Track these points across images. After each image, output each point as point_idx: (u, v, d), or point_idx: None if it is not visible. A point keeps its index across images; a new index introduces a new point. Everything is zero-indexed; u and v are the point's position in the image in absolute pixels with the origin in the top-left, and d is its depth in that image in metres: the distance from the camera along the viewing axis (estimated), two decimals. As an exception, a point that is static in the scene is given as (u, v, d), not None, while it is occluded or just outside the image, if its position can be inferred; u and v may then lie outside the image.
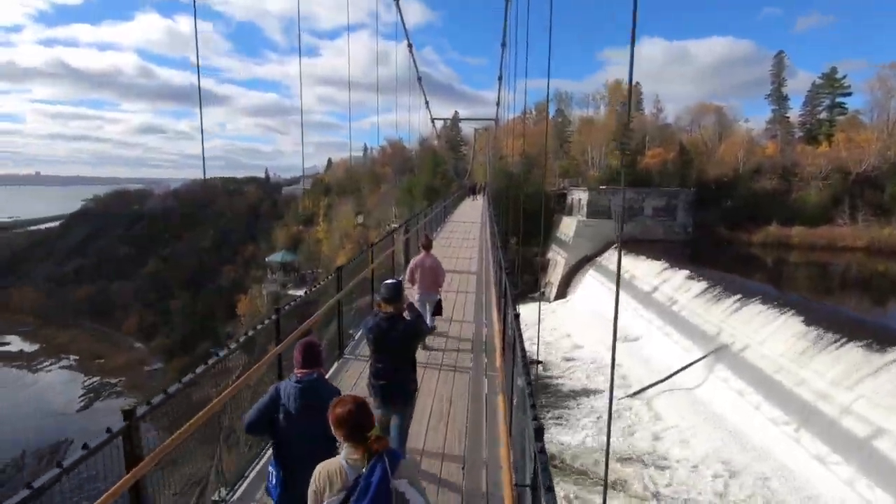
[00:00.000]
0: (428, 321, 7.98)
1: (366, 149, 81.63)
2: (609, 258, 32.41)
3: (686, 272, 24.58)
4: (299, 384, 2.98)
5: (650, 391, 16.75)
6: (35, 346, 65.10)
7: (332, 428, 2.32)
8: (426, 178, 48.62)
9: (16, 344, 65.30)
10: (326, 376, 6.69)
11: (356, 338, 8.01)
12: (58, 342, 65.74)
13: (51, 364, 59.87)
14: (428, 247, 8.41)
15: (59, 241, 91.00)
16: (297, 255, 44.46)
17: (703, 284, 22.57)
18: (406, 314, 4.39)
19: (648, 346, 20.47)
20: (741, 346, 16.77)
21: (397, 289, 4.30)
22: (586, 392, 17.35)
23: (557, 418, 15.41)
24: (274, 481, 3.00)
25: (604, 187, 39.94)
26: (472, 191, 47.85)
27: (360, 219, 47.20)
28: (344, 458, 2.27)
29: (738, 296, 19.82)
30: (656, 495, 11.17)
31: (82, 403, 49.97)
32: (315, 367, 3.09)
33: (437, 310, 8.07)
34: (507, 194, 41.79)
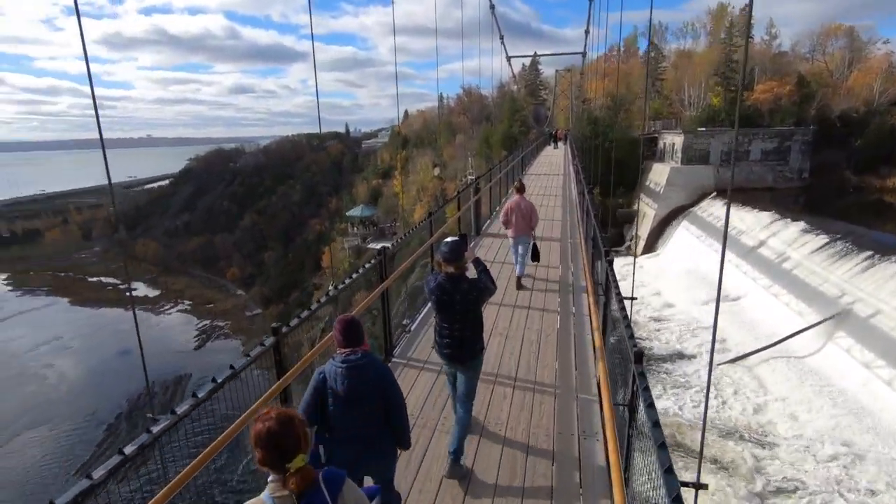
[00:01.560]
0: (525, 264, 8.46)
1: (441, 98, 80.00)
2: (706, 209, 29.42)
3: (802, 224, 21.57)
4: (344, 364, 2.82)
5: (752, 358, 15.10)
6: (157, 292, 73.87)
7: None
8: (503, 126, 46.51)
9: (142, 289, 74.47)
10: (412, 328, 7.05)
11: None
12: (175, 288, 74.04)
13: (170, 307, 67.76)
14: (521, 189, 8.56)
15: (170, 198, 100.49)
16: (376, 209, 45.23)
17: (822, 239, 19.70)
18: (469, 272, 4.19)
19: (752, 307, 18.41)
20: (871, 312, 14.47)
21: (458, 248, 4.01)
22: (677, 356, 16.02)
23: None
24: (312, 460, 2.82)
25: (702, 129, 35.87)
26: (554, 138, 44.89)
27: (437, 171, 46.68)
28: (268, 496, 1.73)
29: (869, 252, 17.03)
30: (759, 475, 10.03)
31: (197, 343, 56.32)
32: (358, 345, 2.88)
33: (535, 255, 8.29)
34: (591, 141, 39.04)
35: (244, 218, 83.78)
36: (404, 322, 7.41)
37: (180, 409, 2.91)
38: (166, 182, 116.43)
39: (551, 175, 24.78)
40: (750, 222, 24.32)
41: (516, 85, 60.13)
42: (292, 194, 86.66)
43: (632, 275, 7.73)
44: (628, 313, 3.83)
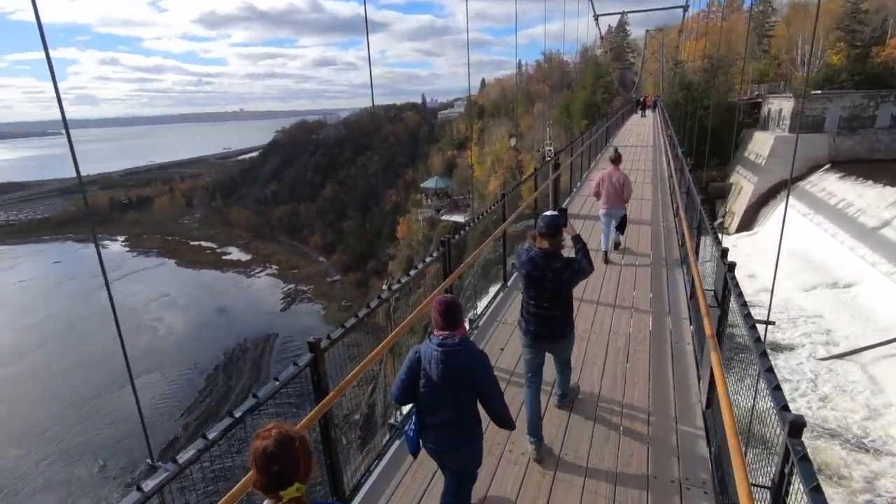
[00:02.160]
0: (612, 238, 8.33)
1: (519, 65, 77.20)
2: (817, 183, 26.19)
3: (939, 203, 18.54)
4: (441, 348, 2.72)
5: (867, 354, 13.37)
6: (248, 256, 79.88)
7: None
8: (585, 93, 43.99)
9: (235, 254, 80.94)
10: (493, 305, 6.99)
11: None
12: (264, 253, 79.62)
13: (260, 271, 73.10)
14: (617, 160, 8.21)
15: (260, 169, 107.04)
16: (450, 181, 45.10)
17: (965, 220, 16.81)
18: (565, 249, 3.90)
19: (869, 296, 16.23)
20: None
21: (556, 222, 3.79)
22: (776, 347, 14.57)
23: (740, 376, 13.29)
24: (412, 433, 2.93)
25: (817, 92, 31.66)
26: (641, 106, 41.54)
27: (513, 142, 45.38)
28: None
29: None
30: (872, 488, 8.92)
31: (283, 305, 60.49)
32: (456, 329, 2.77)
33: (622, 224, 8.08)
34: (682, 108, 35.94)
35: (326, 188, 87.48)
36: (513, 262, 7.73)
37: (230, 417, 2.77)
38: (256, 153, 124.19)
39: (639, 147, 22.66)
40: (871, 199, 21.28)
41: (601, 49, 56.46)
42: (370, 165, 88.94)
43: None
44: (764, 346, 2.78)
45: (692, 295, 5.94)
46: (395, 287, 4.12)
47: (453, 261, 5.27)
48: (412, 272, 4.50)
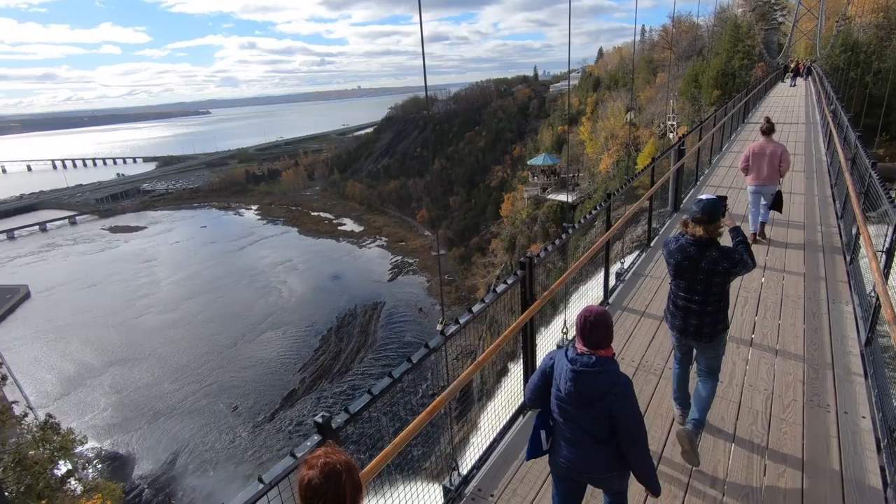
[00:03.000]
0: (761, 217, 7.55)
1: (643, 32, 70.91)
2: None
3: None
4: (573, 365, 2.46)
5: None
6: (361, 227, 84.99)
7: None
8: (719, 60, 39.06)
9: (349, 225, 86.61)
10: (639, 260, 6.86)
11: (661, 231, 8.51)
12: (375, 225, 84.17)
13: (370, 242, 77.48)
14: (769, 131, 7.32)
15: (374, 144, 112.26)
16: (559, 158, 43.21)
17: None
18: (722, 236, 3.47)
19: None
20: None
21: (715, 207, 3.36)
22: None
23: None
24: (539, 437, 2.71)
25: None
26: (794, 72, 34.82)
27: (630, 116, 42.09)
28: None
29: None
30: None
31: (390, 275, 63.66)
32: (598, 348, 2.45)
33: (776, 203, 7.29)
34: (843, 73, 30.56)
35: (434, 163, 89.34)
36: (655, 226, 8.24)
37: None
38: (370, 129, 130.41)
39: (787, 124, 18.43)
40: None
41: (742, 7, 49.66)
42: (478, 140, 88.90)
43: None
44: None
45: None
46: (449, 332, 3.27)
47: (534, 282, 4.21)
48: (475, 308, 3.54)
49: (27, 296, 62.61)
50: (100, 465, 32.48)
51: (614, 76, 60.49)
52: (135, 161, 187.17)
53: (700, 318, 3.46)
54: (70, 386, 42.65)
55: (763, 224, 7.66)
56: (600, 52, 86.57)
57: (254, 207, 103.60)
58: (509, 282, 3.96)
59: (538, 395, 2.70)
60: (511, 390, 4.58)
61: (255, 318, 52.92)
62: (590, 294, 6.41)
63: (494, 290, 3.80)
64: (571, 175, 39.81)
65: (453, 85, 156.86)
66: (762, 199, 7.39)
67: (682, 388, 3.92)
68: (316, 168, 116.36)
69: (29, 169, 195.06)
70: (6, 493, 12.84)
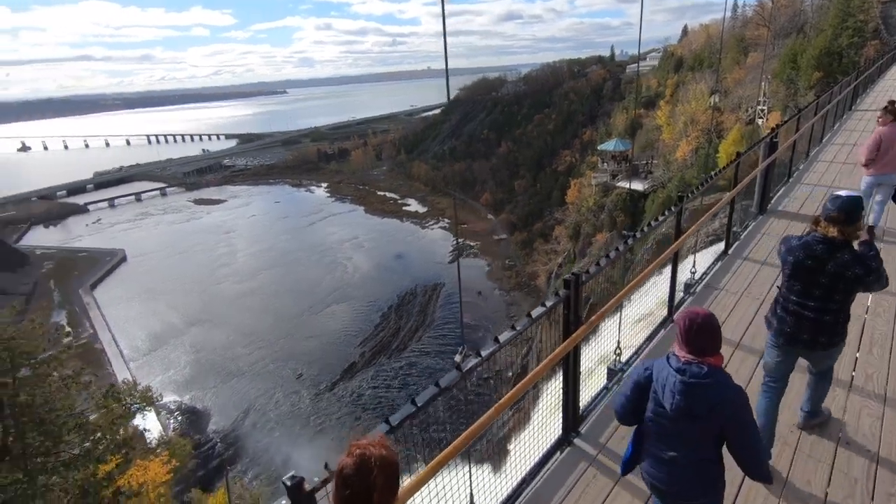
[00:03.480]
0: (872, 218, 6.77)
1: (735, 8, 65.16)
2: None
3: None
4: (681, 375, 2.23)
5: None
6: (425, 209, 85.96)
7: None
8: (824, 38, 35.08)
9: (413, 205, 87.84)
10: (713, 270, 6.35)
11: (742, 237, 7.58)
12: (439, 207, 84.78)
13: (434, 223, 78.25)
14: None
15: (441, 125, 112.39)
16: (630, 144, 40.99)
17: None
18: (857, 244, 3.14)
19: None
20: None
21: (854, 206, 3.04)
22: None
23: None
24: (625, 456, 2.59)
25: None
26: None
27: (714, 99, 39.03)
28: None
29: None
30: None
31: (451, 257, 64.08)
32: (705, 356, 2.24)
33: None
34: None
35: (501, 145, 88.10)
36: (735, 229, 7.40)
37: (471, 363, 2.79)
38: (438, 110, 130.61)
39: None
40: None
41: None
42: (547, 123, 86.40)
43: None
44: None
45: None
46: (467, 367, 2.79)
47: (579, 302, 3.63)
48: (503, 337, 3.01)
49: (124, 259, 69.31)
50: (180, 417, 35.76)
51: (699, 56, 56.32)
52: (218, 138, 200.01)
53: (815, 327, 3.14)
54: (157, 343, 47.03)
55: (872, 228, 6.67)
56: (685, 31, 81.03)
57: (324, 185, 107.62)
58: (549, 303, 3.41)
59: (631, 410, 2.47)
60: (544, 419, 3.97)
61: (322, 292, 55.44)
62: (644, 304, 5.39)
63: (530, 315, 3.30)
64: (644, 162, 37.73)
65: (524, 66, 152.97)
66: (880, 194, 6.58)
67: (769, 424, 3.40)
68: (384, 148, 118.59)
69: (128, 143, 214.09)
70: (61, 456, 13.57)
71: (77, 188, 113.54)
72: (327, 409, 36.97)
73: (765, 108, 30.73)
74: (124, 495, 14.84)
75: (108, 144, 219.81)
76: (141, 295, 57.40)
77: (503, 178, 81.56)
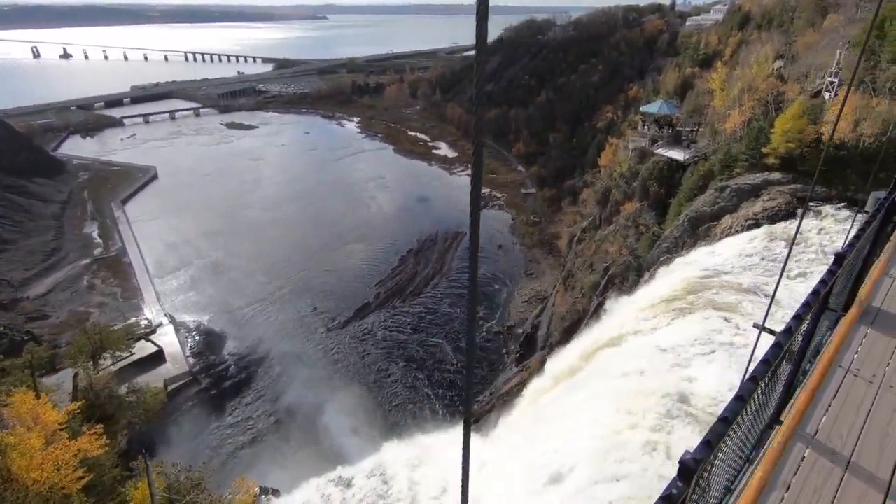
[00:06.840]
0: None
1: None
2: None
3: None
4: None
5: None
6: (455, 154, 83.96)
7: None
8: (918, 4, 30.96)
9: (443, 149, 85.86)
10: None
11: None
12: (469, 153, 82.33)
13: (462, 170, 76.52)
14: None
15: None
16: (678, 108, 38.01)
17: None
18: None
19: None
20: None
21: None
22: None
23: None
24: None
25: None
26: None
27: (778, 64, 35.54)
28: None
29: None
30: None
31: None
32: None
33: None
34: None
35: (540, 94, 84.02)
36: None
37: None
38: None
39: None
40: None
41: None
42: (592, 74, 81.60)
43: None
44: None
45: None
46: None
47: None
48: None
49: (155, 176, 70.53)
50: (198, 337, 37.24)
51: (769, 13, 51.20)
52: (255, 60, 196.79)
53: None
54: (181, 262, 48.47)
55: None
56: (759, -18, 73.39)
57: (355, 120, 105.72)
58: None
59: None
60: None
61: (343, 229, 55.64)
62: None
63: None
64: (689, 129, 35.12)
65: (577, 9, 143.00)
66: None
67: None
68: (420, 86, 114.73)
69: (166, 59, 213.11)
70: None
71: (115, 101, 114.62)
72: (339, 343, 37.94)
73: (835, 80, 27.74)
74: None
75: (146, 59, 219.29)
76: (169, 214, 58.72)
77: (538, 129, 78.33)
